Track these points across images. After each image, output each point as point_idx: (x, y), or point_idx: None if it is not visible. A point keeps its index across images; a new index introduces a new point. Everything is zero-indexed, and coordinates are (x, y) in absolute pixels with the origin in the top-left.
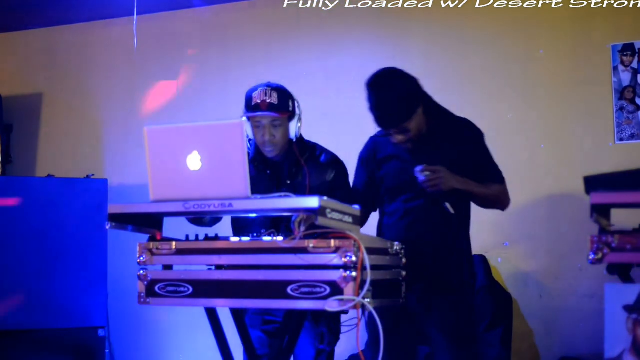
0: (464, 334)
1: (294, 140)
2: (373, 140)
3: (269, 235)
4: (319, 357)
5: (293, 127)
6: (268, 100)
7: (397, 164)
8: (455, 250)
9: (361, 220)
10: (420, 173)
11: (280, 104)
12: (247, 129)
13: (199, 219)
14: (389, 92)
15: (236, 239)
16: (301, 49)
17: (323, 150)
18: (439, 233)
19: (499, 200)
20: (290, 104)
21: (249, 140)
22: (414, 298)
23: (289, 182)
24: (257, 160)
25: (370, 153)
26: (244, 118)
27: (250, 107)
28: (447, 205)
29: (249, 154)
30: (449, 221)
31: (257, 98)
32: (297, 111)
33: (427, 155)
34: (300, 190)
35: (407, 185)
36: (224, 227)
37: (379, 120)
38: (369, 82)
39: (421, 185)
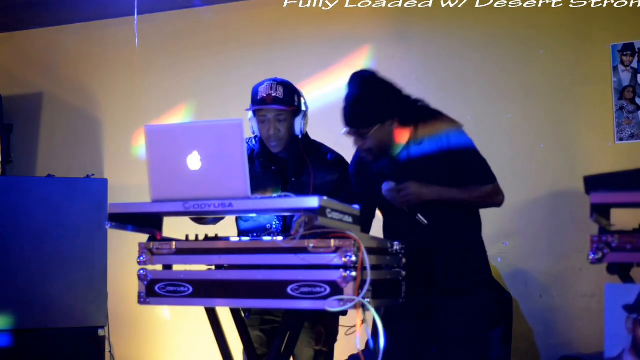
0: (475, 335)
1: (300, 137)
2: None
3: (269, 235)
4: (317, 358)
5: (298, 123)
6: (274, 94)
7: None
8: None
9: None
10: (387, 192)
11: (285, 98)
12: (253, 124)
13: (200, 218)
14: (356, 93)
15: (236, 238)
16: (301, 49)
17: (329, 149)
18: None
19: (484, 202)
20: (296, 99)
21: (255, 136)
22: (421, 299)
23: (293, 179)
24: (263, 156)
25: (362, 168)
26: (250, 113)
27: (256, 101)
28: (419, 216)
29: (254, 150)
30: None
31: (263, 92)
32: (303, 107)
33: (412, 171)
34: (304, 189)
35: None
36: (227, 226)
37: (342, 116)
38: (350, 77)
39: (391, 202)
